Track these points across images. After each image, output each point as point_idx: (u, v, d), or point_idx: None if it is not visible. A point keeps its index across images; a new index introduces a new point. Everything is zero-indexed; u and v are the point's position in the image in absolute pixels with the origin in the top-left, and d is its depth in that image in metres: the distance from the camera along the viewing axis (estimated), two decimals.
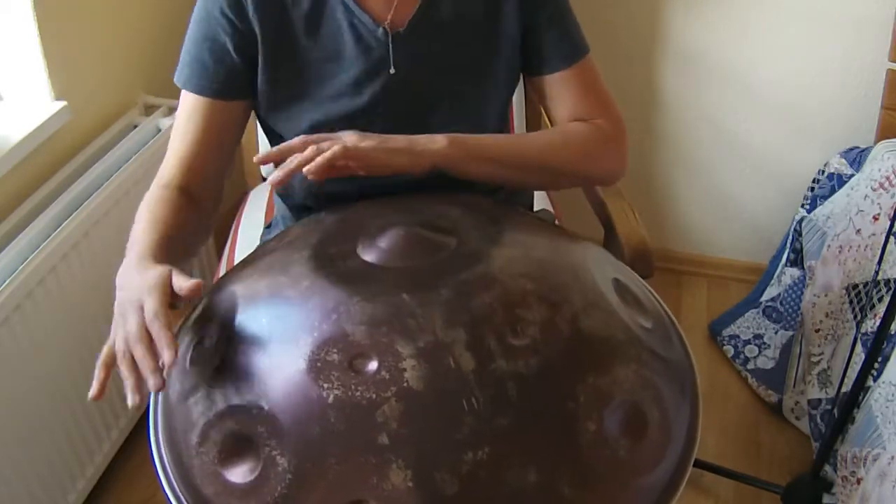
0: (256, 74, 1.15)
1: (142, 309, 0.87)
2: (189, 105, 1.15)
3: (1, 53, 1.53)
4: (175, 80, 1.16)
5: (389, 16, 1.12)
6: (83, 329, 1.57)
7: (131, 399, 0.81)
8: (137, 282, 0.91)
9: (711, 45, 2.04)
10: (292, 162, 0.99)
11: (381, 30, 1.11)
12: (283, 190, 1.28)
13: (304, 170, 0.97)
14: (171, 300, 0.87)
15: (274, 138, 1.23)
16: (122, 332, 0.87)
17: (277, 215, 1.38)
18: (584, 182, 1.42)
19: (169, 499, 0.80)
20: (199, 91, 1.14)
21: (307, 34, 1.13)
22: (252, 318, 0.87)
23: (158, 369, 0.80)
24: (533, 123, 1.75)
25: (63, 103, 1.55)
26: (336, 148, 0.99)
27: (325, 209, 1.21)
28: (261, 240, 1.44)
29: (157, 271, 0.90)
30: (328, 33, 1.13)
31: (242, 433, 0.77)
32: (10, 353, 1.37)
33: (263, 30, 1.11)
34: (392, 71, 1.13)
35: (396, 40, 1.13)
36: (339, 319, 0.80)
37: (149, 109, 1.85)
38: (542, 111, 1.72)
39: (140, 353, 0.82)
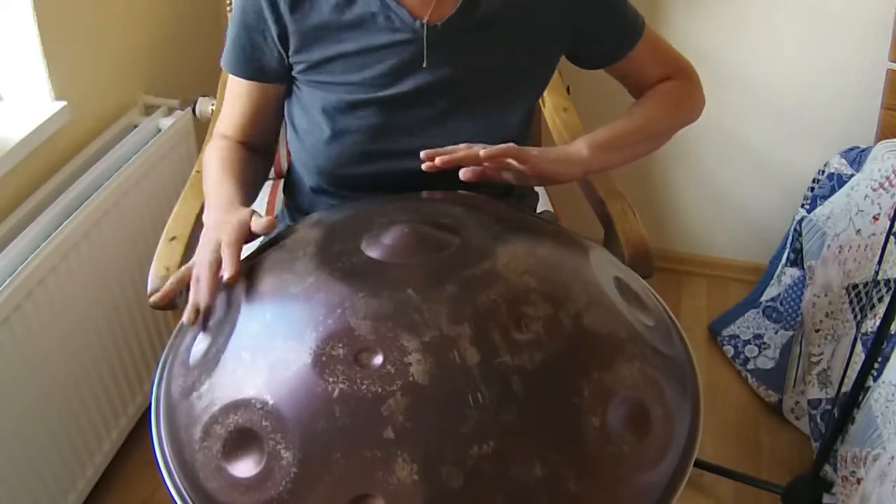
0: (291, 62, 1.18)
1: (219, 241, 0.98)
2: (236, 84, 1.24)
3: (1, 53, 1.53)
4: (220, 61, 1.23)
5: (429, 11, 1.12)
6: (83, 329, 1.56)
7: (186, 317, 0.93)
8: (223, 218, 1.04)
9: (711, 46, 2.04)
10: (458, 152, 1.06)
11: (417, 23, 1.12)
12: (297, 175, 1.31)
13: (482, 153, 1.05)
14: (248, 236, 1.01)
15: (300, 127, 1.24)
16: (200, 258, 1.00)
17: (279, 214, 1.38)
18: (676, 131, 1.47)
19: (172, 494, 0.80)
20: (239, 75, 1.22)
21: (339, 24, 1.13)
22: (256, 313, 0.87)
23: (211, 294, 0.94)
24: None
25: (63, 103, 1.55)
26: (509, 145, 1.07)
27: (328, 206, 1.22)
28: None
29: (240, 212, 1.04)
30: (361, 24, 1.13)
31: (246, 428, 0.77)
32: (10, 353, 1.37)
33: (297, 23, 1.13)
34: (424, 65, 1.14)
35: (432, 36, 1.13)
36: (343, 314, 0.80)
37: (149, 109, 1.85)
38: (543, 114, 1.73)
39: (205, 275, 0.95)
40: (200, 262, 0.98)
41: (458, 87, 1.17)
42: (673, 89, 1.30)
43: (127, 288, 1.69)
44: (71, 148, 1.64)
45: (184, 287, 1.01)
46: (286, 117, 1.27)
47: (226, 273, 0.93)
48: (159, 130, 1.78)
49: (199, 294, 0.95)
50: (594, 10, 1.21)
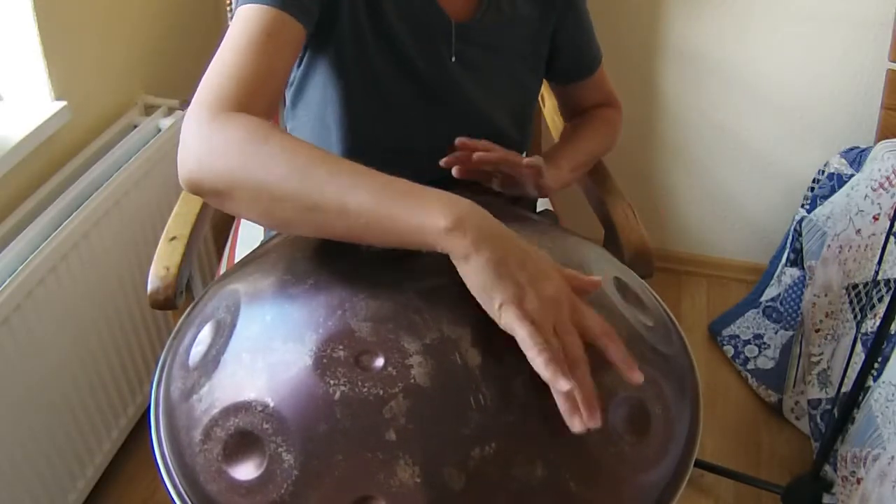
0: (326, 23, 1.09)
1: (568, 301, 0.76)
2: (258, 23, 0.97)
3: (1, 53, 1.52)
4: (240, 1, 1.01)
5: (457, 9, 1.17)
6: (83, 329, 1.57)
7: (586, 423, 0.71)
8: (533, 252, 0.79)
9: (711, 45, 2.05)
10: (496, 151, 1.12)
11: (446, 18, 1.16)
12: None
13: (475, 156, 1.09)
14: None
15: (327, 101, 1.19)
16: (555, 318, 0.75)
17: None
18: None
19: (172, 497, 0.80)
20: (289, 8, 0.98)
21: (371, 19, 1.13)
22: (256, 315, 0.86)
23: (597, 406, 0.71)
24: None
25: (63, 103, 1.55)
26: (538, 160, 1.15)
27: None
28: (263, 237, 1.44)
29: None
30: (404, 8, 1.15)
31: (247, 430, 0.77)
32: (10, 353, 1.37)
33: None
34: (453, 59, 1.18)
35: (460, 32, 1.17)
36: (344, 316, 0.80)
37: (149, 109, 1.85)
38: (544, 114, 1.73)
39: (585, 378, 0.73)
40: (559, 328, 0.75)
41: (484, 82, 1.22)
42: (612, 117, 1.41)
43: (127, 288, 1.69)
44: (71, 148, 1.64)
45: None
46: (291, 103, 1.25)
47: (634, 377, 0.75)
48: (159, 130, 1.78)
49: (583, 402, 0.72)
50: (573, 8, 1.29)
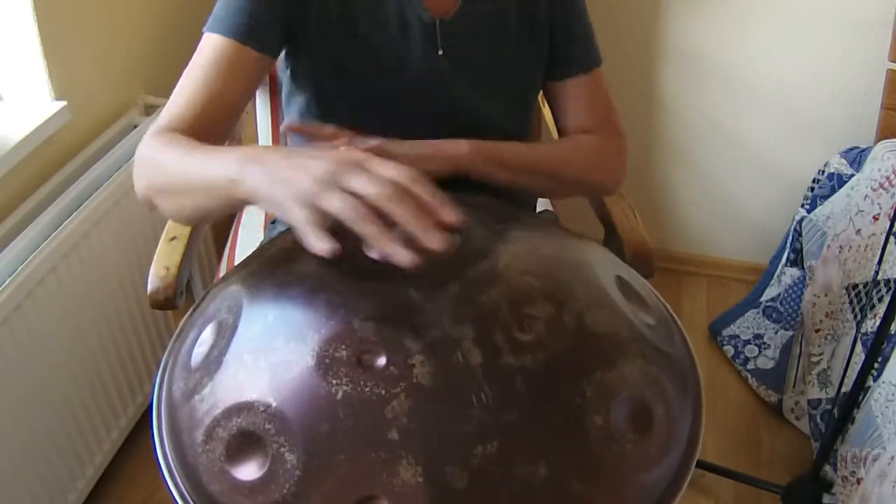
0: (297, 35, 1.14)
1: (362, 168, 0.79)
2: (218, 52, 1.07)
3: (1, 53, 1.52)
4: (206, 27, 1.10)
5: (435, 5, 1.16)
6: (83, 329, 1.56)
7: (409, 259, 0.76)
8: (308, 152, 0.83)
9: (711, 45, 2.05)
10: (321, 137, 1.04)
11: (428, 14, 1.15)
12: None
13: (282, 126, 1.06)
14: None
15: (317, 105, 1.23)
16: (362, 184, 0.78)
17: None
18: (587, 192, 1.47)
19: (174, 498, 0.80)
20: (237, 36, 1.07)
21: (360, 8, 1.14)
22: (257, 315, 0.86)
23: (440, 224, 0.76)
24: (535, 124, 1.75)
25: (63, 103, 1.55)
26: (371, 143, 1.03)
27: None
28: (264, 237, 1.44)
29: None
30: (377, 11, 1.15)
31: (250, 430, 0.77)
32: (10, 353, 1.37)
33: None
34: (440, 52, 1.17)
35: (443, 28, 1.16)
36: (346, 316, 0.80)
37: (149, 109, 1.85)
38: (544, 113, 1.72)
39: (411, 207, 0.77)
40: (374, 193, 0.77)
41: (470, 77, 1.20)
42: (597, 145, 1.25)
43: (127, 288, 1.68)
44: (71, 148, 1.64)
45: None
46: (286, 106, 1.27)
47: (448, 216, 0.78)
48: None
49: (420, 229, 0.76)
50: (570, 7, 1.25)
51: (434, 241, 0.76)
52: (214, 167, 0.89)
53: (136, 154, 1.02)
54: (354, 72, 1.17)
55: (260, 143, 1.78)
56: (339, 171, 0.78)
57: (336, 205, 0.77)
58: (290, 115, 1.26)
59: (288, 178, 0.80)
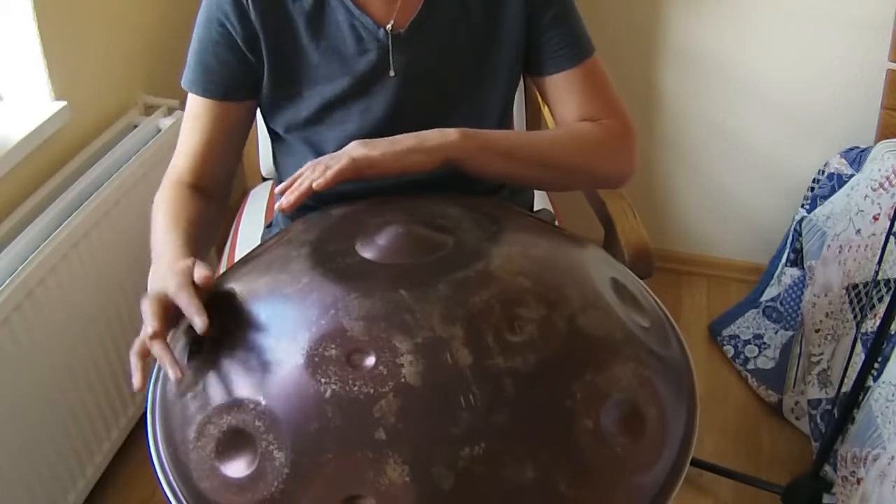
0: (261, 74, 1.16)
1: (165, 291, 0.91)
2: (197, 106, 1.17)
3: (1, 53, 1.53)
4: (182, 83, 1.18)
5: (392, 18, 1.12)
6: (83, 329, 1.57)
7: (172, 375, 0.84)
8: (166, 272, 0.95)
9: (712, 46, 2.04)
10: (303, 184, 1.01)
11: (381, 31, 1.11)
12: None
13: (314, 185, 0.99)
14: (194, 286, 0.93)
15: (278, 140, 1.24)
16: (147, 313, 0.90)
17: (277, 215, 1.38)
18: (592, 182, 1.40)
19: (166, 494, 0.80)
20: (205, 94, 1.15)
21: (309, 35, 1.13)
22: (250, 314, 0.87)
23: (175, 362, 0.85)
24: (533, 124, 1.75)
25: (63, 103, 1.55)
26: (343, 162, 1.01)
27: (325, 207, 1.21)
28: (261, 239, 1.44)
29: (182, 263, 0.94)
30: (329, 35, 1.13)
31: (239, 428, 0.77)
32: (10, 352, 1.37)
33: (266, 31, 1.12)
34: (392, 74, 1.13)
35: (397, 42, 1.12)
36: (337, 315, 0.80)
37: (149, 109, 1.85)
38: (544, 114, 1.72)
39: (159, 348, 0.87)
40: (152, 313, 0.89)
41: (427, 93, 1.17)
42: (596, 132, 1.18)
43: (127, 288, 1.69)
44: (71, 148, 1.64)
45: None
46: (270, 137, 1.27)
47: (196, 322, 0.85)
48: (159, 130, 1.78)
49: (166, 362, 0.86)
50: (547, 6, 1.17)
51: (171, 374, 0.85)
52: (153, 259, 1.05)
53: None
54: (308, 99, 1.16)
55: (260, 146, 1.79)
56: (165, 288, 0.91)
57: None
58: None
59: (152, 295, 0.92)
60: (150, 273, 1.01)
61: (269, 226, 1.45)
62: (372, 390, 0.74)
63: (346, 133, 1.15)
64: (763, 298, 2.04)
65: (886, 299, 1.55)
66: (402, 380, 0.75)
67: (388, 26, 1.11)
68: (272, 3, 1.11)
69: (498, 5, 1.16)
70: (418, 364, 0.75)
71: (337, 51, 1.13)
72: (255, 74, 1.15)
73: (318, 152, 1.16)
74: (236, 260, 1.29)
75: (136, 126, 1.78)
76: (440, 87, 1.18)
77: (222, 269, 1.58)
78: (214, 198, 1.20)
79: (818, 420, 1.76)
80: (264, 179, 1.83)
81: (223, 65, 1.14)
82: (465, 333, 0.78)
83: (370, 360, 0.76)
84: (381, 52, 1.12)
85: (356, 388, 0.74)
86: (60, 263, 1.47)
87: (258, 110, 1.22)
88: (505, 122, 1.29)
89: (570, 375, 0.80)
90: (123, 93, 1.81)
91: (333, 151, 1.06)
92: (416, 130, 1.08)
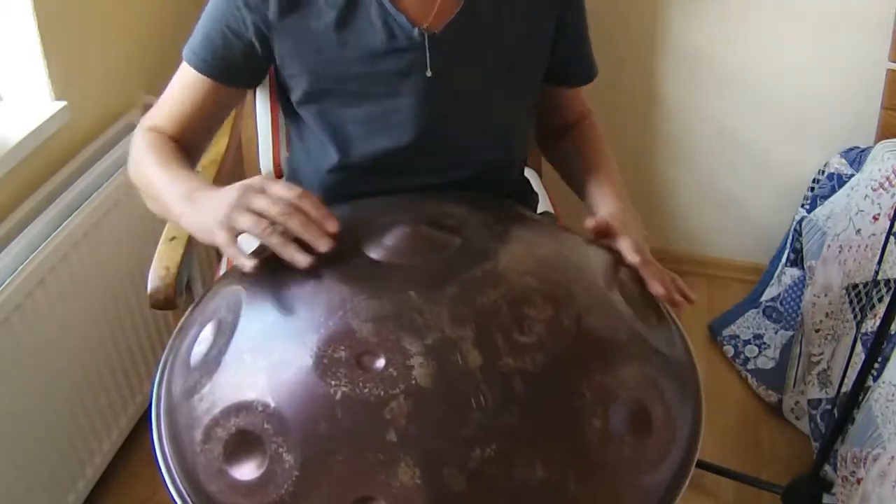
0: (268, 66, 1.15)
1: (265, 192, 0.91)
2: (189, 77, 1.15)
3: (1, 53, 1.52)
4: (183, 50, 1.16)
5: (429, 18, 1.10)
6: (83, 329, 1.56)
7: (305, 261, 0.87)
8: (226, 188, 0.94)
9: (711, 46, 2.04)
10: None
11: (416, 31, 1.09)
12: (299, 178, 1.28)
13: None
14: None
15: (305, 130, 1.23)
16: (263, 204, 0.90)
17: None
18: None
19: (173, 497, 0.80)
20: (201, 70, 1.14)
21: (338, 31, 1.10)
22: (257, 315, 0.86)
23: (325, 233, 0.88)
24: None
25: (63, 103, 1.55)
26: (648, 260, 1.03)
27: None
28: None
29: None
30: (360, 31, 1.10)
31: (248, 430, 0.77)
32: (9, 353, 1.37)
33: (289, 24, 1.10)
34: (429, 73, 1.12)
35: (433, 43, 1.11)
36: (345, 317, 0.80)
37: (149, 109, 1.84)
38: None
39: (302, 220, 0.88)
40: (273, 211, 0.89)
41: (461, 94, 1.16)
42: (600, 136, 1.33)
43: (127, 288, 1.68)
44: (71, 148, 1.64)
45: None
46: (289, 123, 1.26)
47: (328, 225, 0.89)
48: None
49: (312, 235, 0.88)
50: (576, 21, 1.24)
51: (321, 245, 0.88)
52: (170, 195, 1.03)
53: (132, 141, 1.17)
54: (339, 94, 1.14)
55: (260, 143, 1.78)
56: (245, 195, 0.91)
57: (245, 224, 0.90)
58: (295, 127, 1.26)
59: (210, 208, 0.94)
60: (182, 206, 1.00)
61: None
62: (382, 392, 0.74)
63: (370, 128, 1.15)
64: (763, 298, 2.04)
65: (886, 299, 1.55)
66: (413, 382, 0.74)
67: (424, 26, 1.10)
68: None
69: (537, 15, 1.18)
70: (429, 366, 0.75)
71: (368, 48, 1.11)
72: (259, 65, 1.14)
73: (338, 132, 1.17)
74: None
75: (135, 126, 1.77)
76: (474, 89, 1.17)
77: (223, 268, 1.58)
78: (190, 155, 1.19)
79: (818, 420, 1.76)
80: None
81: (228, 48, 1.12)
82: (475, 334, 0.78)
83: (380, 362, 0.76)
84: (417, 51, 1.11)
85: (366, 390, 0.74)
86: (60, 263, 1.47)
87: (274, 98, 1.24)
88: (528, 123, 1.32)
89: (578, 375, 0.80)
90: (123, 93, 1.80)
91: (352, 135, 1.14)
92: (444, 130, 1.14)
